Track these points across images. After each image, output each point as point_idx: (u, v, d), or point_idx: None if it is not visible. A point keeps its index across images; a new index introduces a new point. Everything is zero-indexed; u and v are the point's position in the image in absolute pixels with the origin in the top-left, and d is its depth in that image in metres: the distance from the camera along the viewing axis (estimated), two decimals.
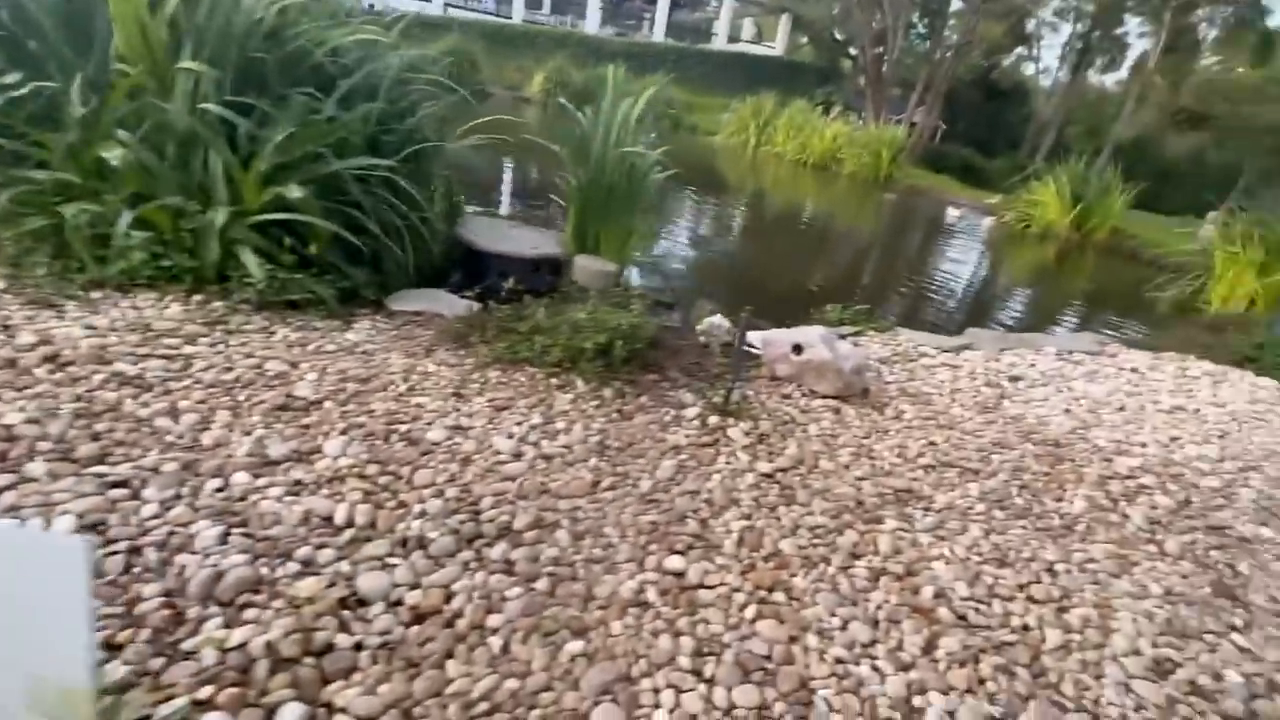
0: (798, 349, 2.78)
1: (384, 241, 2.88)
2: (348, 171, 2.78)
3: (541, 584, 1.47)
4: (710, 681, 1.34)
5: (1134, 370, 3.89)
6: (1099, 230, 9.97)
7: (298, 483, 1.60)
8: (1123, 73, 21.05)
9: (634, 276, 4.47)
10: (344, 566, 1.38)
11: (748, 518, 1.87)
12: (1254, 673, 1.68)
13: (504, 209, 6.16)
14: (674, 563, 1.63)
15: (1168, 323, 5.75)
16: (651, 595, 1.52)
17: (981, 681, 1.48)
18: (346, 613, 1.29)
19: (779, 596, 1.60)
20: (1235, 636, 1.81)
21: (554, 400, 2.27)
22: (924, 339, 3.71)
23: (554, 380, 2.39)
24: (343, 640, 1.23)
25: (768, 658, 1.42)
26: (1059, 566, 1.94)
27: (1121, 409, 3.26)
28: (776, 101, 15.80)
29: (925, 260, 8.09)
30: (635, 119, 3.83)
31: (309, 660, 1.18)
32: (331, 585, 1.33)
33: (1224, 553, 2.20)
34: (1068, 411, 3.10)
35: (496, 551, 1.53)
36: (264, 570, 1.33)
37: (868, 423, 2.60)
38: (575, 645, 1.34)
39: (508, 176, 7.91)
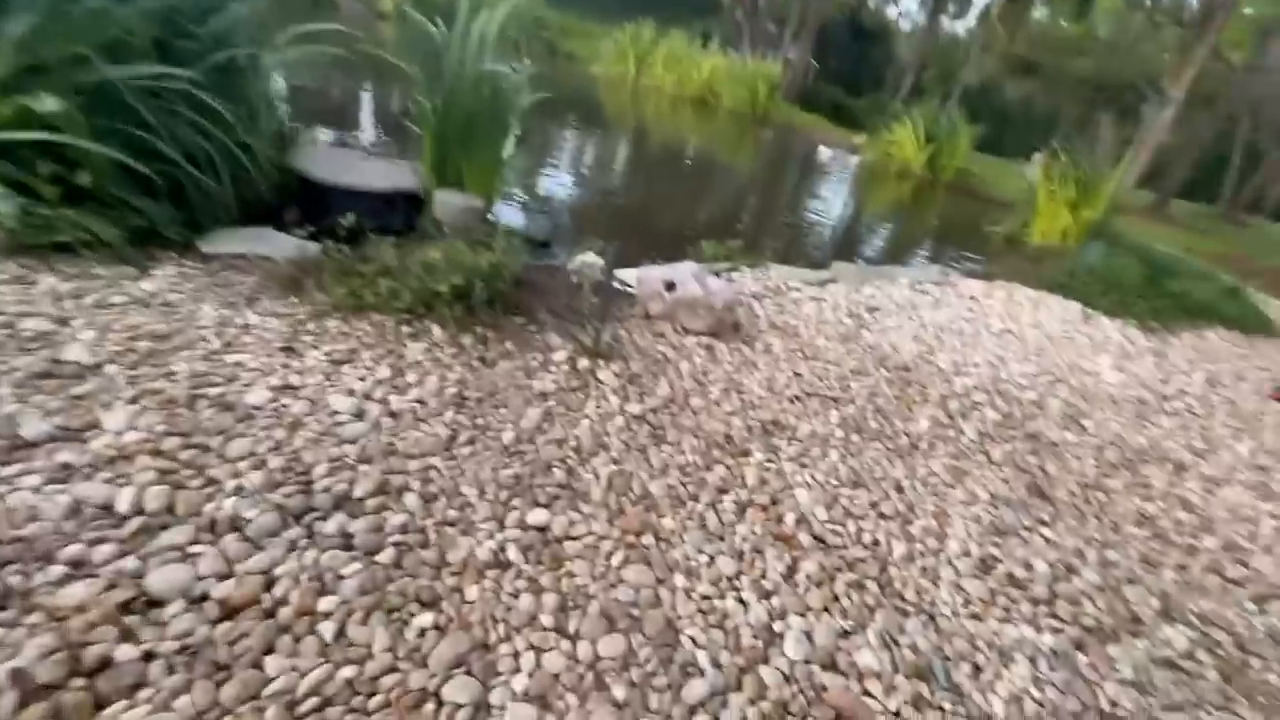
0: (670, 286, 2.73)
1: (188, 171, 2.41)
2: (127, 82, 2.26)
3: (385, 555, 1.33)
4: (574, 637, 1.29)
5: (972, 298, 4.28)
6: (947, 170, 10.81)
7: (65, 467, 1.30)
8: (971, 20, 22.47)
9: (504, 213, 4.16)
10: (128, 563, 1.15)
11: (617, 461, 1.82)
12: (1056, 559, 1.94)
13: (357, 137, 5.47)
14: (538, 516, 1.54)
15: (1000, 254, 6.39)
16: (512, 554, 1.43)
17: (836, 599, 1.57)
18: (132, 618, 1.08)
19: (648, 540, 1.58)
20: (1044, 530, 2.07)
21: (405, 350, 2.05)
22: (793, 273, 3.82)
23: (405, 328, 2.16)
24: (126, 652, 1.02)
25: (634, 604, 1.39)
26: (905, 483, 2.10)
27: (960, 334, 3.58)
28: (655, 31, 15.28)
29: (798, 197, 8.35)
30: (496, 33, 3.46)
31: (77, 683, 0.97)
32: (111, 588, 1.10)
33: (1037, 457, 2.50)
34: (916, 338, 3.35)
35: (331, 525, 1.35)
36: (12, 579, 1.07)
37: (738, 357, 2.63)
38: (424, 619, 1.23)
39: (362, 100, 7.03)
